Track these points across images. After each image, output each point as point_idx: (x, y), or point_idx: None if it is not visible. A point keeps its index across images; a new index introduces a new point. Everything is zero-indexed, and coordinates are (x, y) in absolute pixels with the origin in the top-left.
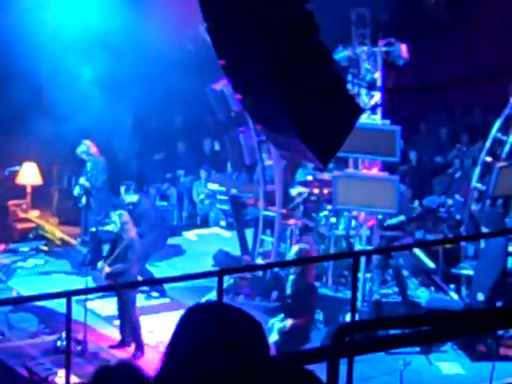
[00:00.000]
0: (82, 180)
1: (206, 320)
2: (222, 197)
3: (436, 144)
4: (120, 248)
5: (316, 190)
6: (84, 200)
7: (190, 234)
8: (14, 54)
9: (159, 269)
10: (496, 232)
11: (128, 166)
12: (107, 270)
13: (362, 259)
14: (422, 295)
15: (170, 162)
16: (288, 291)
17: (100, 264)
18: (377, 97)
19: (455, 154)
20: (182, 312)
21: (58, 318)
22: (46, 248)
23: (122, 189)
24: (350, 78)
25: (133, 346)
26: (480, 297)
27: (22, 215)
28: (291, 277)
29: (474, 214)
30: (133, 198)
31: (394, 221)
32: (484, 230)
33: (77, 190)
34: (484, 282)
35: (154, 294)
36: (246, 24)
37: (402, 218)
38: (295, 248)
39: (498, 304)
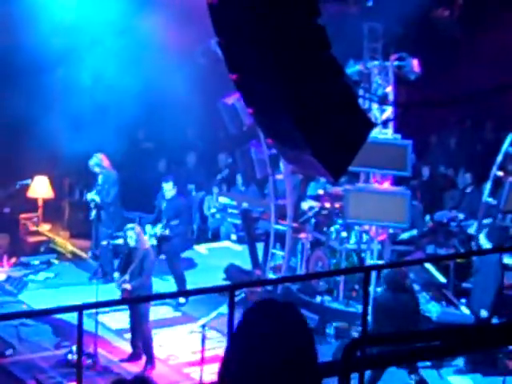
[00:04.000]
0: (92, 194)
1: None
2: (233, 211)
3: (447, 158)
4: (136, 262)
5: (327, 204)
6: (94, 213)
7: (201, 248)
8: (24, 64)
9: (170, 282)
10: (508, 247)
11: (139, 180)
12: (129, 287)
13: (373, 273)
14: (432, 309)
15: (181, 175)
16: None
17: (116, 275)
18: (388, 111)
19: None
20: (192, 325)
21: (69, 331)
22: (56, 261)
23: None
24: (361, 92)
25: (143, 359)
26: (483, 313)
27: (33, 228)
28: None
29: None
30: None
31: (406, 235)
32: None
33: (89, 197)
34: (485, 298)
35: (182, 300)
36: (258, 38)
37: (414, 232)
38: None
39: (501, 319)
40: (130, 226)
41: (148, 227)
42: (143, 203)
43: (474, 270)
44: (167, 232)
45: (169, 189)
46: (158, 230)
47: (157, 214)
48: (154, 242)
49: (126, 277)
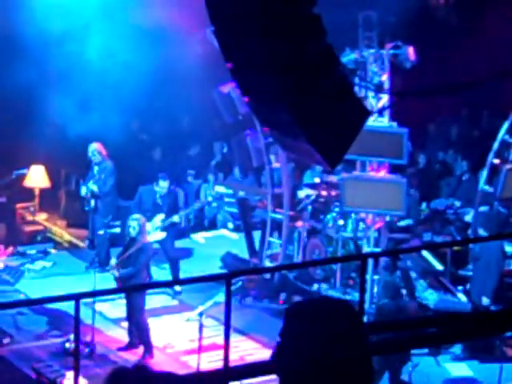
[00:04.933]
0: (90, 184)
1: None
2: (230, 199)
3: (444, 146)
4: (132, 250)
5: (324, 192)
6: (93, 203)
7: (198, 237)
8: (22, 52)
9: (167, 271)
10: (506, 234)
11: (134, 170)
12: (116, 274)
13: (370, 261)
14: (430, 297)
15: (179, 164)
16: None
17: (113, 261)
18: (384, 99)
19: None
20: (189, 314)
21: (66, 320)
22: (53, 250)
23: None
24: (357, 80)
25: (141, 348)
26: (485, 301)
27: (29, 218)
28: None
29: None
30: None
31: (403, 223)
32: (481, 232)
33: (84, 191)
34: (486, 286)
35: (178, 288)
36: (253, 27)
37: (409, 221)
38: None
39: (499, 305)
40: (134, 216)
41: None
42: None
43: (474, 257)
44: (177, 219)
45: (165, 186)
46: (159, 222)
47: (152, 209)
48: (162, 234)
49: (114, 261)
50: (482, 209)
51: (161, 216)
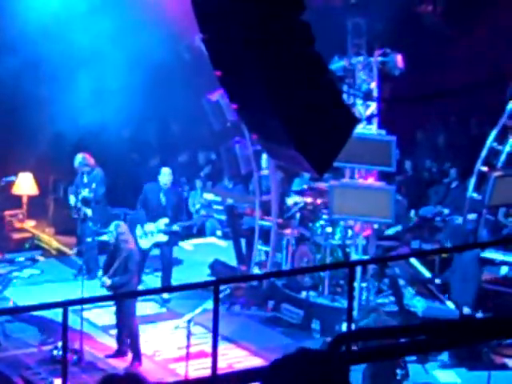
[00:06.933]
0: (85, 192)
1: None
2: (218, 207)
3: (432, 153)
4: (120, 260)
5: (312, 200)
6: (84, 211)
7: (186, 244)
8: (13, 64)
9: (155, 278)
10: (494, 241)
11: (125, 177)
12: (108, 282)
13: (358, 269)
14: (418, 304)
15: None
16: None
17: (100, 273)
18: (372, 107)
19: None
20: (177, 321)
21: (54, 328)
22: (41, 258)
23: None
24: (345, 88)
25: (130, 356)
26: (466, 310)
27: (18, 225)
28: None
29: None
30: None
31: (391, 231)
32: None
33: (73, 200)
34: (465, 295)
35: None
36: (242, 34)
37: (398, 227)
38: None
39: (486, 313)
40: (115, 222)
41: (150, 225)
42: (128, 199)
43: (453, 265)
44: (177, 227)
45: (167, 173)
46: (163, 225)
47: (155, 209)
48: (164, 237)
49: (101, 272)
50: (471, 217)
51: (166, 220)
